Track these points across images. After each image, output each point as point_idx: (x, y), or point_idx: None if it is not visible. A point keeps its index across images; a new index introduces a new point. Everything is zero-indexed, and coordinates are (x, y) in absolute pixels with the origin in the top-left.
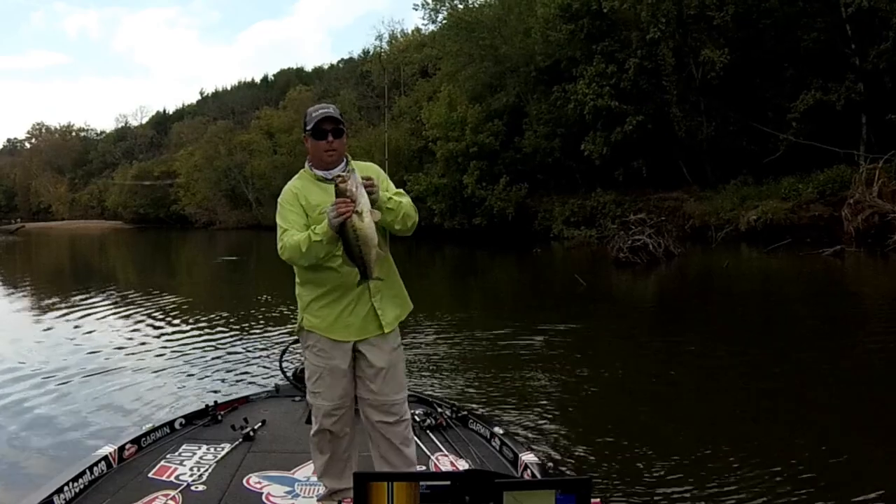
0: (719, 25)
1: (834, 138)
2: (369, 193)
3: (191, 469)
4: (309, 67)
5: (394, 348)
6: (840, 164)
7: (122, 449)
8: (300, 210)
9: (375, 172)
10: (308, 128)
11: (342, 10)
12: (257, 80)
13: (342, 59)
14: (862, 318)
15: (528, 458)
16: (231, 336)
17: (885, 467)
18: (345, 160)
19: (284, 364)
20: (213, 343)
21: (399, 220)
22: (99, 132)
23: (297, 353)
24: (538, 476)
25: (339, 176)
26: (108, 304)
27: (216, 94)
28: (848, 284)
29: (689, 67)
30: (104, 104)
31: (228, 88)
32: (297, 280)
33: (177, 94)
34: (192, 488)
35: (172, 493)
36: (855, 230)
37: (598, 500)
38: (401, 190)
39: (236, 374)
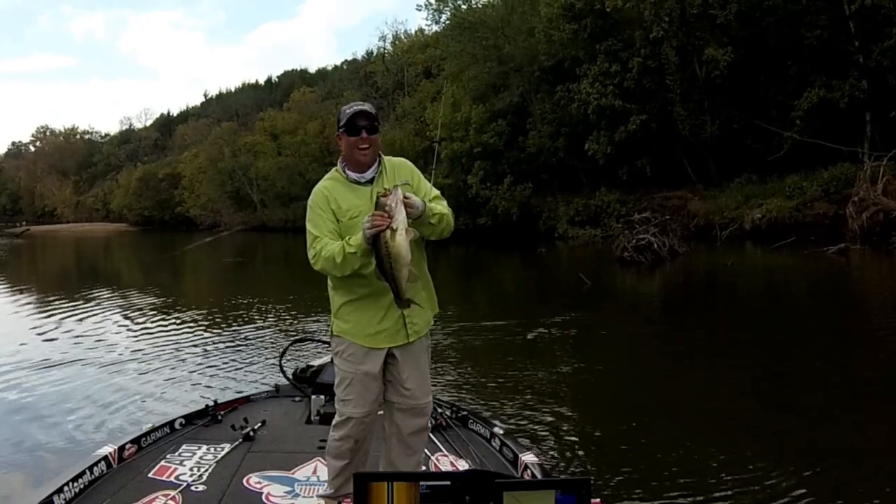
0: (722, 24)
1: (838, 136)
2: (411, 208)
3: (191, 469)
4: (314, 69)
5: (426, 349)
6: (844, 161)
7: (122, 449)
8: (331, 215)
9: (409, 170)
10: (341, 124)
11: (348, 10)
12: (261, 81)
13: (346, 61)
14: (867, 315)
15: (528, 458)
16: (231, 336)
17: (890, 463)
18: (378, 159)
19: (284, 364)
20: (213, 343)
21: (437, 233)
22: (103, 135)
23: (296, 353)
24: (538, 476)
25: (382, 190)
26: (110, 305)
27: (220, 95)
28: (853, 282)
29: (693, 66)
30: (109, 107)
31: (232, 90)
32: (329, 284)
33: (182, 96)
34: (192, 488)
35: (172, 493)
36: (859, 228)
37: (597, 500)
38: (437, 192)
39: (236, 374)
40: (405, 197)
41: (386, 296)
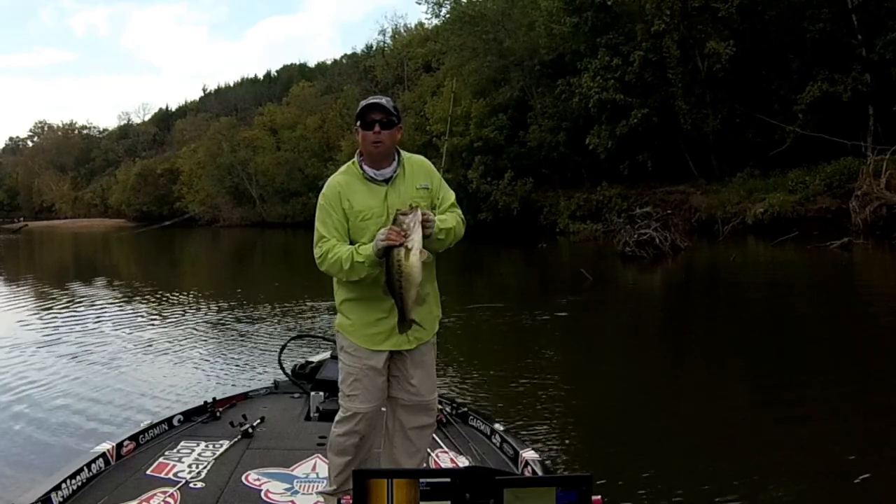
0: (724, 17)
1: (841, 130)
2: (426, 229)
3: (189, 466)
4: (313, 63)
5: (432, 345)
6: (847, 155)
7: (120, 446)
8: (342, 215)
9: (428, 173)
10: (356, 117)
11: (352, 5)
12: (261, 76)
13: (346, 55)
14: (870, 310)
15: (528, 454)
16: (230, 332)
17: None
18: (396, 157)
19: (283, 360)
20: (211, 339)
21: (444, 246)
22: (101, 130)
23: (295, 349)
24: (539, 473)
25: (401, 209)
26: (107, 301)
27: (219, 90)
28: (856, 277)
29: (695, 60)
30: (109, 102)
31: (231, 85)
32: (334, 278)
33: (183, 91)
34: (191, 485)
35: (171, 490)
36: (862, 222)
37: (598, 497)
38: (454, 198)
39: (235, 371)
40: (424, 216)
41: (389, 299)
